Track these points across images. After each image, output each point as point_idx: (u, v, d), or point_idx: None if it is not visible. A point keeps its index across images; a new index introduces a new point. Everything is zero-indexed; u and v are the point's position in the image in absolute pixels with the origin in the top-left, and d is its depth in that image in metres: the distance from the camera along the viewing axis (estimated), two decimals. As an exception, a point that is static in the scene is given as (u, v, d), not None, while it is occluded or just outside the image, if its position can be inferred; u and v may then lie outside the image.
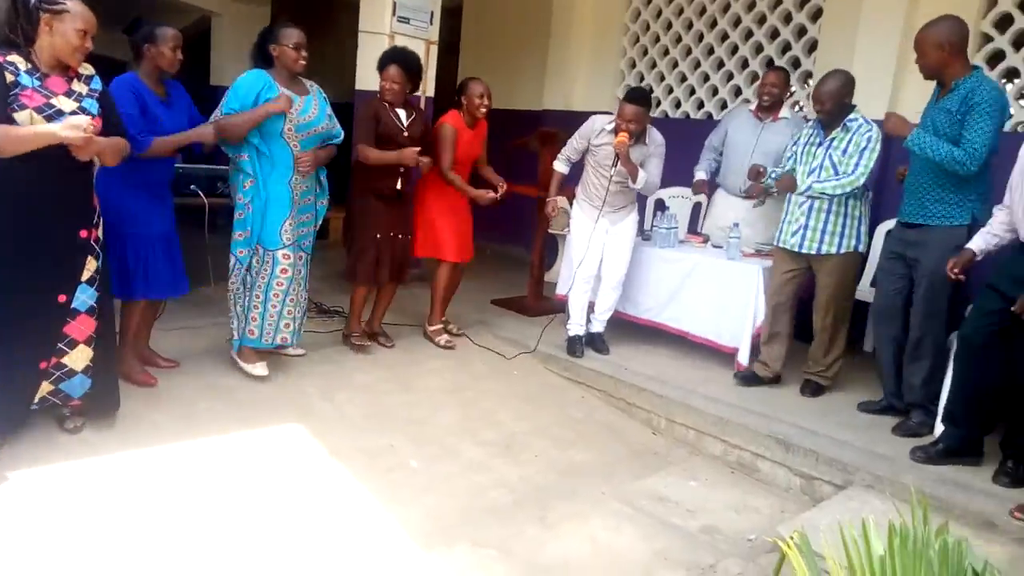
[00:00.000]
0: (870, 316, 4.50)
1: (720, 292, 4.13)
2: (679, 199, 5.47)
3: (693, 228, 5.22)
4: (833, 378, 3.88)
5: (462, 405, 3.75)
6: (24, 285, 2.60)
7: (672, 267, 4.34)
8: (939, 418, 3.27)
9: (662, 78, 6.32)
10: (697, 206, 5.38)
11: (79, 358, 2.79)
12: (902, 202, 3.46)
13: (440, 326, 4.48)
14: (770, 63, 5.50)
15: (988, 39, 4.55)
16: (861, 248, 3.72)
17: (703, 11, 5.98)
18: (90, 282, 2.77)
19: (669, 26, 6.22)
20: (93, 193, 2.79)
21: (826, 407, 3.70)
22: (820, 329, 3.81)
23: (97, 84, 2.74)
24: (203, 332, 4.03)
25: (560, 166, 4.36)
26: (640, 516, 2.89)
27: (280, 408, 3.41)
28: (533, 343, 4.37)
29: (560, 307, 4.59)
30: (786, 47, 5.55)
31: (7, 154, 2.42)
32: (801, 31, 5.45)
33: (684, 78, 6.18)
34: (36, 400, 2.75)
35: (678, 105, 6.24)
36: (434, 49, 5.44)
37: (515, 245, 6.62)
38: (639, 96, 3.93)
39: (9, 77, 2.47)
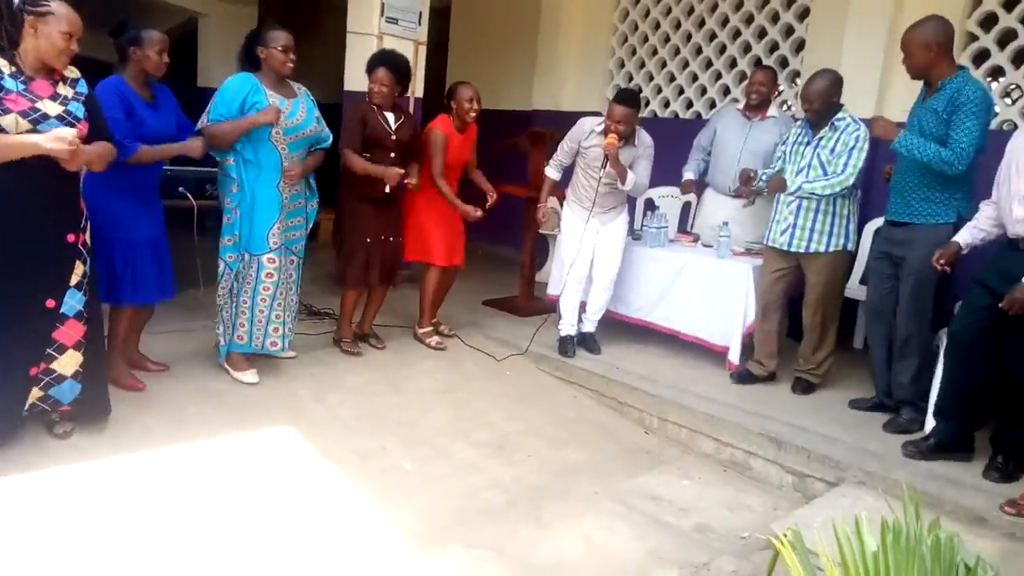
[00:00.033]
0: (861, 314, 4.53)
1: (710, 291, 4.15)
2: (669, 198, 5.48)
3: (683, 227, 5.23)
4: (824, 376, 3.90)
5: (454, 406, 3.75)
6: (12, 290, 2.57)
7: (662, 266, 4.35)
8: (929, 414, 3.30)
9: (651, 78, 6.34)
10: (687, 205, 5.39)
11: (68, 363, 2.77)
12: (888, 201, 3.49)
13: (431, 328, 4.48)
14: (758, 62, 5.52)
15: (973, 38, 4.59)
16: (850, 247, 3.74)
17: (691, 11, 6.00)
18: (78, 287, 2.75)
19: (657, 26, 6.23)
20: (80, 197, 2.77)
21: (817, 404, 3.72)
22: (809, 327, 3.82)
23: (83, 87, 2.71)
24: (193, 335, 4.01)
25: (552, 172, 4.36)
26: (633, 515, 2.89)
27: (271, 411, 3.40)
28: (524, 343, 4.37)
29: (551, 307, 4.59)
30: (774, 46, 5.58)
31: None
32: (789, 30, 5.48)
33: (673, 78, 6.20)
34: (26, 407, 2.72)
35: (667, 105, 6.26)
36: (423, 50, 5.43)
37: (505, 245, 6.61)
38: (628, 97, 3.94)
39: None
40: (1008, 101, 4.82)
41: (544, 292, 4.74)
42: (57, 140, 2.45)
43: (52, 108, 2.56)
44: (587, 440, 3.59)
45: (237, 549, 2.39)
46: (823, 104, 3.60)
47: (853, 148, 3.55)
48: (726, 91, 5.88)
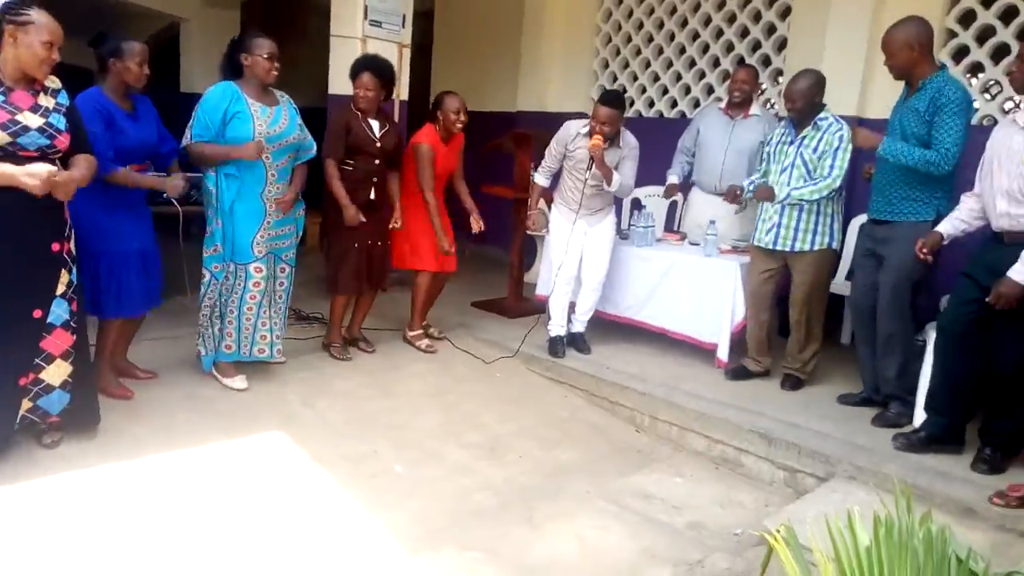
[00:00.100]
0: (847, 310, 4.56)
1: (698, 289, 4.17)
2: (655, 198, 5.49)
3: (670, 226, 5.25)
4: (812, 372, 3.93)
5: (445, 408, 3.74)
6: (-1, 302, 2.55)
7: (650, 265, 4.36)
8: (917, 408, 3.33)
9: (635, 78, 6.36)
10: (673, 204, 5.41)
11: (56, 373, 2.75)
12: (870, 199, 3.52)
13: (420, 331, 4.47)
14: (741, 61, 5.55)
15: (952, 35, 4.64)
16: (835, 245, 3.77)
17: (674, 11, 6.03)
18: (64, 296, 2.73)
19: (640, 26, 6.25)
20: (64, 206, 2.73)
21: (806, 400, 3.74)
22: (796, 324, 3.85)
23: (64, 98, 2.68)
24: (181, 342, 3.98)
25: (541, 179, 4.36)
26: (626, 514, 2.90)
27: (261, 416, 3.38)
28: (514, 345, 4.37)
29: (540, 308, 4.60)
30: (756, 45, 5.61)
31: None
32: (771, 29, 5.51)
33: (657, 77, 6.22)
34: (18, 419, 2.69)
35: (651, 104, 6.28)
36: (407, 52, 5.42)
37: (493, 246, 6.61)
38: (613, 98, 3.95)
39: None
40: (987, 96, 4.87)
41: (533, 293, 4.75)
42: (31, 176, 2.44)
43: (33, 120, 2.53)
44: (578, 440, 3.60)
45: (230, 556, 2.37)
46: (806, 103, 3.63)
47: (838, 149, 3.58)
48: (710, 90, 5.91)
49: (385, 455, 3.21)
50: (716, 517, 2.95)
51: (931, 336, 3.28)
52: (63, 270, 2.72)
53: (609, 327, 4.57)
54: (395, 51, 5.22)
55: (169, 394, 3.46)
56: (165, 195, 3.35)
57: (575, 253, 4.21)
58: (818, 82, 3.65)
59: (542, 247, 4.78)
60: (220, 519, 2.56)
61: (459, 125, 4.20)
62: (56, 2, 2.87)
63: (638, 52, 6.30)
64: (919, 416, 3.32)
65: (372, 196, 4.02)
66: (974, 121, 4.14)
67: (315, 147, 3.74)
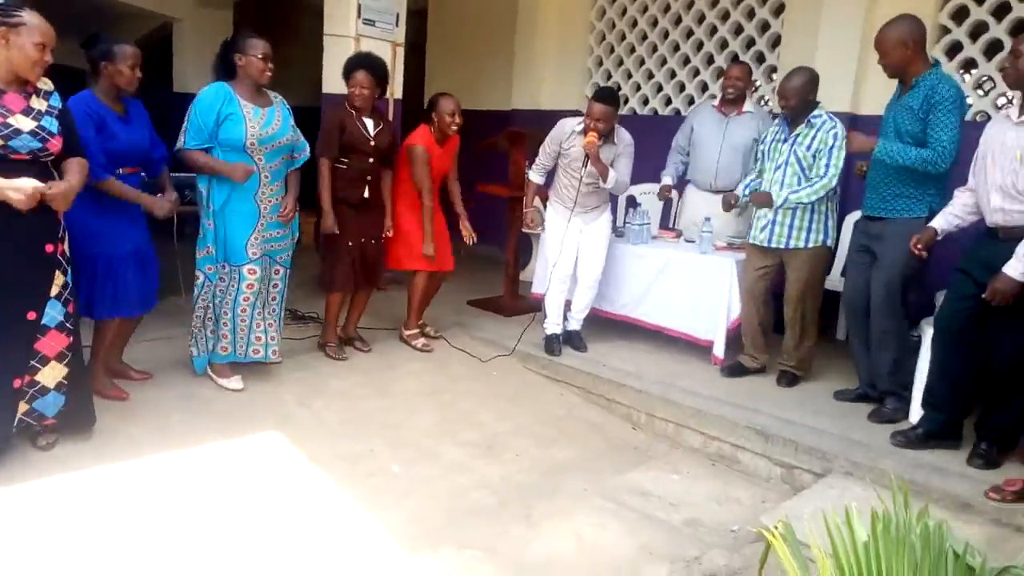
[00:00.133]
0: (841, 306, 4.57)
1: (694, 286, 4.17)
2: (650, 195, 5.49)
3: (665, 224, 5.25)
4: (807, 368, 3.94)
5: (441, 407, 3.74)
6: (-8, 304, 2.53)
7: (646, 263, 4.36)
8: (913, 403, 3.34)
9: (629, 75, 6.36)
10: (668, 201, 5.40)
11: (51, 375, 2.73)
12: (865, 196, 3.53)
13: (416, 330, 4.46)
14: (735, 58, 5.56)
15: (946, 31, 4.65)
16: (829, 242, 3.78)
17: (667, 8, 6.03)
18: (59, 297, 2.71)
19: (635, 23, 6.25)
20: (58, 207, 2.73)
21: (802, 396, 3.75)
22: (791, 321, 3.86)
23: (56, 101, 2.67)
24: (176, 342, 3.96)
25: (535, 177, 4.35)
26: (624, 511, 2.90)
27: (257, 416, 3.37)
28: (511, 343, 4.37)
29: (536, 306, 4.59)
30: (750, 42, 5.62)
31: None
32: (764, 26, 5.52)
33: (651, 75, 6.22)
34: (15, 421, 2.68)
35: (646, 102, 6.28)
36: (400, 51, 5.41)
37: (488, 244, 6.59)
38: (607, 95, 3.95)
39: None
40: (980, 93, 4.89)
41: (529, 291, 4.74)
42: (16, 191, 2.43)
43: (25, 123, 2.52)
44: (575, 438, 3.60)
45: (227, 557, 2.37)
46: (799, 101, 3.63)
47: (832, 147, 3.58)
48: (704, 87, 5.92)
49: (382, 454, 3.20)
50: (713, 514, 2.96)
51: (926, 331, 3.29)
52: (57, 271, 2.70)
53: (605, 325, 4.57)
54: (389, 50, 5.20)
55: (164, 395, 3.45)
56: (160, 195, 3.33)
57: (571, 251, 4.21)
58: (811, 80, 3.65)
59: (538, 245, 4.77)
60: (216, 520, 2.56)
61: (454, 127, 4.19)
62: (48, 2, 2.86)
63: (632, 50, 6.30)
64: (915, 411, 3.33)
65: (366, 194, 4.01)
66: (967, 117, 4.16)
67: (308, 150, 3.73)
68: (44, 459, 2.78)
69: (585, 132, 3.92)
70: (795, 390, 3.84)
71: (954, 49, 4.66)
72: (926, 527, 1.61)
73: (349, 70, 3.95)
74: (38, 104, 2.59)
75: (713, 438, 3.49)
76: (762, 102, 5.76)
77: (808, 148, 3.64)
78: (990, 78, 4.72)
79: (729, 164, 4.46)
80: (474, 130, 5.19)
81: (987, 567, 1.56)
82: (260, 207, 3.48)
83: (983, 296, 2.81)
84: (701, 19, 5.85)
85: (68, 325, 2.76)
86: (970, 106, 4.40)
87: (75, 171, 2.67)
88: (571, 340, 4.36)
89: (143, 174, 3.37)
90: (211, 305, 3.50)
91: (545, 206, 4.45)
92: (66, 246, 2.76)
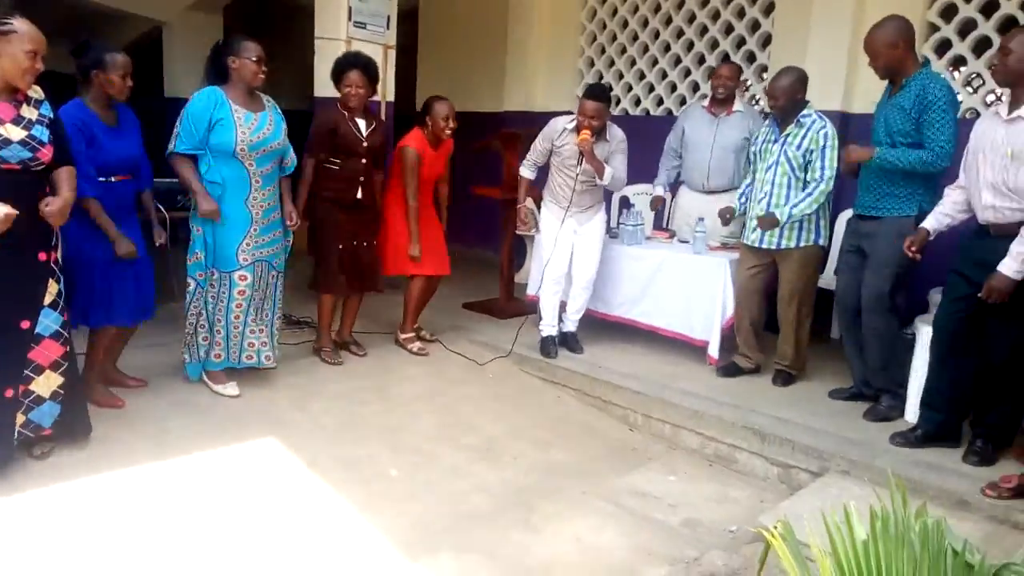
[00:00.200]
0: (835, 305, 4.59)
1: (689, 286, 4.18)
2: (644, 196, 5.50)
3: (659, 224, 5.26)
4: (802, 368, 3.96)
5: (438, 411, 3.73)
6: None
7: (640, 264, 4.37)
8: (908, 401, 3.35)
9: (621, 76, 6.37)
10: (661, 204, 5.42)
11: (46, 384, 2.72)
12: (857, 195, 3.55)
13: (412, 334, 4.45)
14: (726, 58, 5.57)
15: (935, 28, 4.67)
16: (821, 242, 3.80)
17: (658, 8, 6.04)
18: (53, 306, 2.70)
19: (625, 24, 6.26)
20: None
21: (798, 396, 3.76)
22: (785, 321, 3.87)
23: (47, 110, 2.65)
24: (171, 348, 3.94)
25: (526, 172, 4.35)
26: (622, 513, 2.91)
27: (254, 422, 3.36)
28: (507, 346, 4.37)
29: (532, 308, 4.60)
30: (741, 42, 5.63)
31: None
32: (755, 25, 5.53)
33: (642, 75, 6.23)
34: (16, 432, 2.67)
35: (638, 103, 6.29)
36: (392, 54, 5.41)
37: (482, 247, 6.61)
38: (598, 92, 3.95)
39: None
40: (970, 90, 4.91)
41: (524, 294, 4.74)
42: None
43: (15, 133, 2.50)
44: (573, 440, 3.60)
45: (226, 564, 2.36)
46: (788, 101, 3.65)
47: (825, 148, 3.60)
48: (695, 87, 5.93)
49: (380, 459, 3.20)
50: (711, 514, 2.96)
51: (920, 329, 3.30)
52: (51, 280, 2.69)
53: (601, 326, 4.58)
54: (380, 52, 5.20)
55: (160, 402, 3.43)
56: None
57: (565, 251, 4.21)
58: (800, 79, 3.67)
59: (531, 247, 4.77)
60: (215, 527, 2.55)
61: (448, 131, 4.18)
62: (35, 7, 2.84)
63: (623, 50, 6.31)
64: (911, 409, 3.35)
65: (359, 196, 4.00)
66: (957, 115, 4.19)
67: (296, 160, 3.72)
68: (40, 468, 2.76)
69: (578, 130, 3.93)
70: (791, 390, 3.86)
71: (943, 47, 4.69)
72: (925, 525, 1.62)
73: (341, 71, 3.93)
74: (28, 113, 2.57)
75: (710, 438, 3.50)
76: (753, 101, 5.77)
77: (798, 148, 3.65)
78: (979, 75, 4.75)
79: (721, 164, 4.48)
80: (467, 132, 5.20)
81: (986, 564, 1.57)
82: (252, 213, 3.47)
83: (979, 295, 2.82)
84: (691, 19, 5.87)
85: (65, 334, 2.74)
86: (960, 103, 4.42)
87: (67, 183, 2.65)
88: (567, 342, 4.37)
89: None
90: (204, 311, 3.49)
91: (538, 207, 4.45)
92: (59, 254, 2.75)
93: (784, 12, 5.25)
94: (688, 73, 5.96)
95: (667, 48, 6.05)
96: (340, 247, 3.98)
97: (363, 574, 2.41)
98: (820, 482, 3.02)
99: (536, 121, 4.92)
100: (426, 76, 7.63)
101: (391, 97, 5.39)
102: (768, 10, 5.43)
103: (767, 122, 3.94)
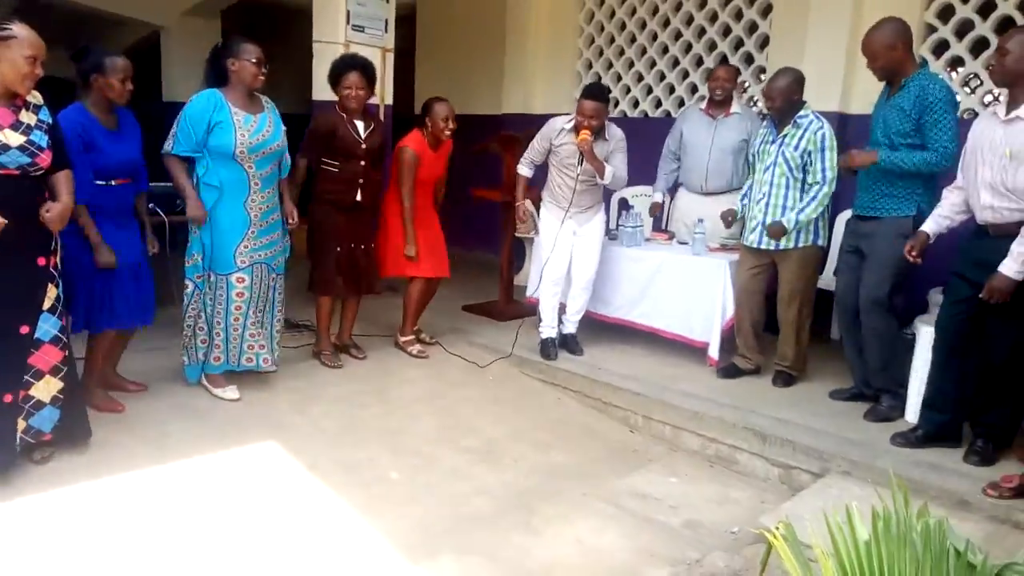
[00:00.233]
0: (835, 306, 4.59)
1: (688, 288, 4.18)
2: (642, 197, 5.51)
3: (658, 226, 5.27)
4: (803, 368, 3.95)
5: (439, 413, 3.73)
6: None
7: (640, 265, 4.37)
8: (909, 401, 3.35)
9: (619, 78, 6.37)
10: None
11: (46, 389, 2.72)
12: (856, 196, 3.55)
13: (412, 336, 4.45)
14: (724, 59, 5.58)
15: (932, 29, 4.68)
16: (820, 242, 3.80)
17: (656, 10, 6.04)
18: (52, 310, 2.70)
19: (623, 26, 6.27)
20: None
21: (798, 397, 3.76)
22: (785, 322, 3.88)
23: (45, 115, 2.65)
24: (170, 352, 3.94)
25: (524, 170, 4.35)
26: (623, 515, 2.90)
27: (254, 426, 3.36)
28: (507, 348, 4.36)
29: (531, 310, 4.59)
30: (739, 43, 5.64)
31: None
32: (752, 27, 5.54)
33: (641, 77, 6.23)
34: (17, 438, 2.66)
35: (636, 104, 6.30)
36: (390, 57, 5.41)
37: (482, 250, 6.61)
38: (596, 92, 3.96)
39: None
40: (967, 90, 4.92)
41: (524, 296, 4.74)
42: None
43: (14, 138, 2.49)
44: (573, 442, 3.60)
45: (227, 567, 2.36)
46: (784, 102, 3.66)
47: (823, 150, 3.61)
48: (693, 89, 5.93)
49: (380, 462, 3.20)
50: (713, 515, 2.96)
51: (920, 329, 3.30)
52: (50, 284, 2.69)
53: (601, 328, 4.58)
54: (378, 55, 5.20)
55: (160, 405, 3.43)
56: (152, 204, 3.33)
57: (564, 252, 4.21)
58: (796, 80, 3.67)
59: (531, 249, 4.77)
60: (215, 531, 2.54)
61: (447, 132, 4.18)
62: (36, 13, 2.84)
63: (621, 52, 6.32)
64: (911, 408, 3.35)
65: (358, 198, 4.00)
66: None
67: (290, 161, 3.73)
68: (41, 473, 2.76)
69: (576, 130, 3.93)
70: (791, 390, 3.86)
71: (941, 47, 4.69)
72: (927, 525, 1.62)
73: (339, 73, 3.93)
74: (27, 118, 2.57)
75: (711, 440, 3.49)
76: (751, 103, 5.78)
77: (796, 148, 3.66)
78: (977, 76, 4.75)
79: (719, 166, 4.48)
80: (465, 135, 5.20)
81: (988, 564, 1.57)
82: (250, 215, 3.47)
83: (980, 295, 2.82)
84: (689, 20, 5.87)
85: (62, 338, 2.74)
86: (959, 103, 4.43)
87: (66, 188, 2.65)
88: (567, 344, 4.37)
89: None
90: (203, 314, 3.48)
91: (537, 209, 4.45)
92: (58, 259, 2.74)
93: (782, 14, 5.26)
94: (686, 75, 5.96)
95: (665, 50, 6.05)
96: (337, 249, 3.98)
97: (364, 577, 2.41)
98: (821, 483, 3.01)
99: (535, 123, 4.92)
100: (424, 79, 7.63)
101: (389, 100, 5.39)
102: (766, 11, 5.44)
103: (765, 123, 3.94)
